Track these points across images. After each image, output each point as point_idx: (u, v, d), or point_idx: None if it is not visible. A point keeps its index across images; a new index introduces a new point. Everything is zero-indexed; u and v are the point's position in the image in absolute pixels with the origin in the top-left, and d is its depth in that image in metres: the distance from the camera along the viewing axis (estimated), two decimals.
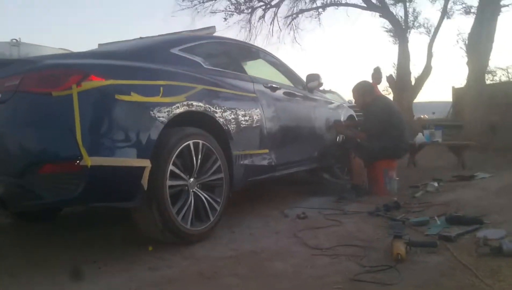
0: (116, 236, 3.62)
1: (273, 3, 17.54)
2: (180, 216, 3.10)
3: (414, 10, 18.58)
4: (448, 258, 2.70)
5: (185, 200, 3.19)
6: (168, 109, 3.10)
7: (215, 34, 8.31)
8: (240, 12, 17.37)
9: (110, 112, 2.79)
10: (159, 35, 6.20)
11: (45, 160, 2.62)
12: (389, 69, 23.40)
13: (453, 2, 17.32)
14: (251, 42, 14.86)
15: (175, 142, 3.12)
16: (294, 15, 18.05)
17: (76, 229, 4.06)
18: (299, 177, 6.30)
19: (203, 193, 3.35)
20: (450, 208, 3.87)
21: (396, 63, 17.45)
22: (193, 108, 3.34)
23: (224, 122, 3.64)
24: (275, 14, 17.86)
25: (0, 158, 2.71)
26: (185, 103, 3.26)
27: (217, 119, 3.56)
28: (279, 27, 18.29)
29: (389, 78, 16.29)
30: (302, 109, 5.17)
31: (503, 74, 21.89)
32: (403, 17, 17.39)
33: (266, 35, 16.17)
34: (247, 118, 3.95)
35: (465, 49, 15.83)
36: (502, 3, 13.16)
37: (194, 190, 3.29)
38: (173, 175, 3.10)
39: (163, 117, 3.04)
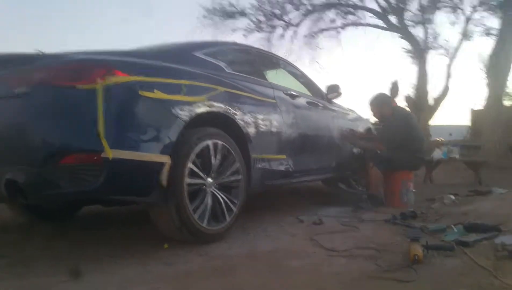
0: (132, 235, 3.65)
1: (294, 22, 17.64)
2: (197, 214, 3.12)
3: (434, 31, 18.58)
4: (466, 261, 2.67)
5: (203, 199, 3.22)
6: (189, 108, 3.15)
7: None
8: (261, 30, 17.49)
9: (133, 107, 2.85)
10: None
11: (67, 151, 2.66)
12: (407, 89, 23.29)
13: (474, 24, 17.30)
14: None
15: (196, 141, 3.16)
16: (313, 34, 18.13)
17: (92, 228, 4.10)
18: (315, 187, 6.31)
19: (220, 193, 3.37)
20: (467, 217, 3.84)
21: (414, 83, 17.40)
22: (214, 109, 3.39)
23: (244, 124, 3.68)
24: (295, 33, 17.94)
25: (22, 148, 2.75)
26: (206, 103, 3.31)
27: (237, 121, 3.60)
28: (299, 46, 18.37)
29: (408, 99, 16.24)
30: (320, 118, 5.20)
31: None
32: (422, 38, 17.38)
33: (285, 53, 16.16)
34: (266, 122, 3.98)
35: (485, 70, 15.75)
36: None
37: (211, 190, 3.31)
38: (192, 174, 3.13)
39: (184, 115, 3.09)
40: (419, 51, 16.85)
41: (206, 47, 3.94)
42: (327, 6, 17.07)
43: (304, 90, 5.22)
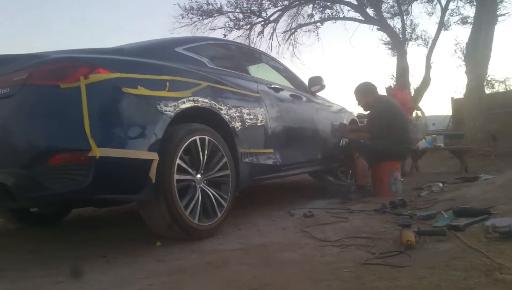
0: (124, 236, 3.62)
1: (271, 18, 17.64)
2: (188, 211, 3.10)
3: (411, 22, 18.74)
4: (458, 244, 2.68)
5: (193, 195, 3.19)
6: (174, 103, 3.14)
7: None
8: (239, 28, 17.48)
9: (117, 104, 2.82)
10: None
11: (53, 151, 2.62)
12: (388, 80, 23.46)
13: (450, 14, 17.49)
14: None
15: (182, 136, 3.14)
16: (292, 30, 18.17)
17: (83, 231, 4.07)
18: (303, 181, 6.31)
19: (210, 189, 3.35)
20: (456, 203, 3.86)
21: (394, 75, 17.54)
22: (199, 104, 3.37)
23: (229, 119, 3.66)
24: (274, 29, 17.97)
25: (9, 150, 2.71)
26: (191, 98, 3.29)
27: (222, 116, 3.59)
28: (278, 42, 18.42)
29: (388, 90, 16.33)
30: (305, 111, 5.19)
31: (501, 87, 21.96)
32: (400, 30, 17.51)
33: (265, 50, 16.16)
34: (251, 116, 3.97)
35: (463, 58, 15.95)
36: (498, 12, 13.30)
37: (201, 186, 3.29)
38: (181, 170, 3.11)
39: (169, 111, 3.07)
40: (398, 43, 16.98)
41: (188, 43, 3.91)
42: (304, 1, 17.11)
43: (287, 84, 5.21)
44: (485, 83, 15.12)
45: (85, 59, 2.89)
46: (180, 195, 3.08)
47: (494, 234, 2.71)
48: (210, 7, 16.59)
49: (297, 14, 17.92)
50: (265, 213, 4.27)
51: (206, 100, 3.45)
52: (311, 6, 17.54)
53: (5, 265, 2.86)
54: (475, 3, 13.96)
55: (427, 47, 17.86)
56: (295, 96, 5.05)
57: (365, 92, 5.62)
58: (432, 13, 18.02)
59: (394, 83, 17.39)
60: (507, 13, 14.80)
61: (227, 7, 16.85)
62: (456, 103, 16.98)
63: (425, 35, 18.85)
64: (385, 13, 17.49)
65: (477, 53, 12.15)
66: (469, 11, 17.39)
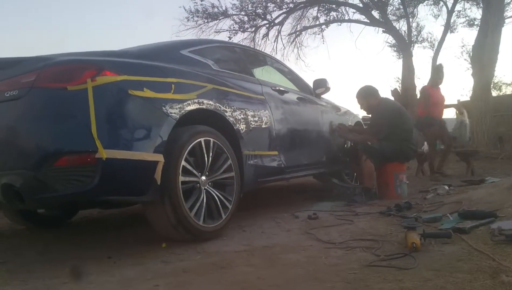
0: (129, 237, 3.64)
1: (276, 21, 17.64)
2: (192, 212, 3.11)
3: (417, 24, 18.74)
4: (463, 247, 2.67)
5: (197, 197, 3.20)
6: (179, 105, 3.15)
7: None
8: (244, 30, 17.49)
9: (124, 106, 2.85)
10: None
11: (60, 153, 2.64)
12: (393, 83, 23.47)
13: (457, 16, 17.46)
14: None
15: (187, 138, 3.15)
16: (297, 33, 18.16)
17: (89, 232, 4.09)
18: (308, 184, 6.30)
19: (214, 191, 3.36)
20: (462, 205, 3.85)
21: (400, 77, 17.53)
22: (204, 106, 3.38)
23: (234, 121, 3.67)
24: (279, 32, 17.97)
25: (17, 152, 2.74)
26: (196, 100, 3.31)
27: (227, 118, 3.60)
28: (283, 45, 18.41)
29: (394, 92, 16.32)
30: (310, 113, 5.20)
31: (508, 89, 21.95)
32: (406, 32, 17.49)
33: (270, 53, 16.15)
34: (256, 118, 3.98)
35: (469, 61, 15.92)
36: (505, 14, 13.26)
37: (206, 187, 3.30)
38: (186, 171, 3.12)
39: (175, 113, 3.09)
40: (403, 45, 16.96)
41: (193, 45, 3.93)
42: (309, 3, 17.11)
43: (292, 86, 5.22)
44: (491, 85, 15.08)
45: (92, 61, 2.91)
46: (185, 196, 3.09)
47: (500, 237, 2.69)
48: (215, 10, 16.62)
49: (302, 17, 17.93)
50: (269, 215, 4.27)
51: (211, 102, 3.46)
52: (316, 8, 17.54)
53: (14, 267, 2.88)
54: (481, 5, 13.93)
55: (433, 50, 17.86)
56: (300, 98, 5.05)
57: (366, 95, 5.62)
58: (438, 15, 18.06)
59: (400, 86, 17.41)
60: None
61: (232, 10, 16.89)
62: (462, 105, 16.90)
63: (431, 38, 18.87)
64: (390, 16, 17.48)
65: (483, 56, 12.10)
66: (476, 13, 17.38)
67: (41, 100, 2.71)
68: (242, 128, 3.76)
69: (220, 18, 16.87)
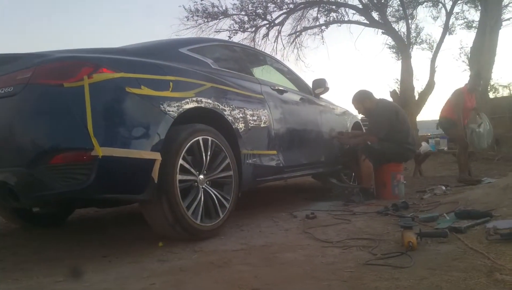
0: (125, 236, 3.64)
1: (276, 21, 17.66)
2: (190, 211, 3.10)
3: (416, 26, 18.78)
4: (459, 246, 2.69)
5: (195, 196, 3.20)
6: (177, 104, 3.14)
7: None
8: (244, 30, 17.50)
9: (120, 104, 2.83)
10: None
11: (56, 151, 2.63)
12: (392, 84, 23.50)
13: (455, 17, 17.50)
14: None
15: (185, 136, 3.14)
16: (297, 33, 18.18)
17: (85, 232, 4.08)
18: (306, 183, 6.30)
19: (212, 190, 3.35)
20: (458, 205, 3.86)
21: (399, 78, 17.55)
22: (202, 105, 3.38)
23: (233, 120, 3.67)
24: (279, 32, 17.99)
25: (12, 149, 2.71)
26: (194, 99, 3.30)
27: (225, 117, 3.60)
28: (283, 45, 18.42)
29: (393, 93, 16.36)
30: (309, 113, 5.20)
31: (505, 91, 21.99)
32: (405, 33, 17.52)
33: (270, 53, 16.16)
34: (255, 118, 3.98)
35: (467, 62, 15.95)
36: (502, 17, 13.30)
37: (203, 186, 3.29)
38: (183, 170, 3.11)
39: (173, 111, 3.08)
40: (402, 46, 16.99)
41: (192, 44, 3.93)
42: (309, 4, 17.13)
43: (291, 86, 5.22)
44: (489, 87, 15.09)
45: (88, 58, 2.89)
46: (183, 195, 3.08)
47: (495, 236, 2.72)
48: (215, 9, 16.64)
49: (302, 17, 17.97)
50: (267, 214, 4.28)
51: (209, 100, 3.46)
52: (316, 9, 17.59)
53: (8, 265, 2.88)
54: (479, 8, 13.96)
55: (431, 51, 17.89)
56: (299, 98, 5.06)
57: (361, 99, 5.65)
58: (437, 17, 18.10)
59: (398, 87, 17.43)
60: None
61: (232, 9, 16.91)
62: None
63: (429, 39, 18.91)
64: (390, 17, 17.52)
65: (481, 58, 12.14)
66: (474, 15, 17.43)
67: (37, 97, 2.69)
68: (241, 127, 3.76)
69: (220, 17, 16.90)
